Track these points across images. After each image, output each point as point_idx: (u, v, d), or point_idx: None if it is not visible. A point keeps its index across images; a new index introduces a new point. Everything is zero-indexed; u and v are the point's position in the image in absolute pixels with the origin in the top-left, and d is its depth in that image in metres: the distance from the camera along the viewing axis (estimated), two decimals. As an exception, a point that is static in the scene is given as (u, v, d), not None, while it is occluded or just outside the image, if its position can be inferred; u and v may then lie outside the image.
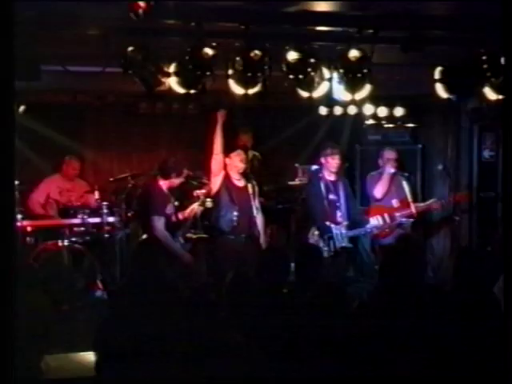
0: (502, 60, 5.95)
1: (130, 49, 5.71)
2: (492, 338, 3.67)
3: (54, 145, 8.62)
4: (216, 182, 7.51)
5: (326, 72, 6.20)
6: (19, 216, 7.40)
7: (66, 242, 7.77)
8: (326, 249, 7.28)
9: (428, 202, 8.33)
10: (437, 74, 6.59)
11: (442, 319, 3.88)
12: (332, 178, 7.71)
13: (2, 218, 2.67)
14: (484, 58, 6.25)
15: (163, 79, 6.05)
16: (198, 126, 9.56)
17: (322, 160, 7.73)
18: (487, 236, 8.32)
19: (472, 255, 4.87)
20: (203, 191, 8.57)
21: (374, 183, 8.25)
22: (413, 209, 7.99)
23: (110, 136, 9.51)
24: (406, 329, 3.79)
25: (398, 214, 7.99)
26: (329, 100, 7.65)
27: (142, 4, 4.96)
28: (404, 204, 8.06)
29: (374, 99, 8.40)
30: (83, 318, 6.61)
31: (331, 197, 7.59)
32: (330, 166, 7.66)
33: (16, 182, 6.46)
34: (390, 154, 8.29)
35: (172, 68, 6.03)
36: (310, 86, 6.20)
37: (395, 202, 8.11)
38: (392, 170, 8.18)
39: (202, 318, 3.69)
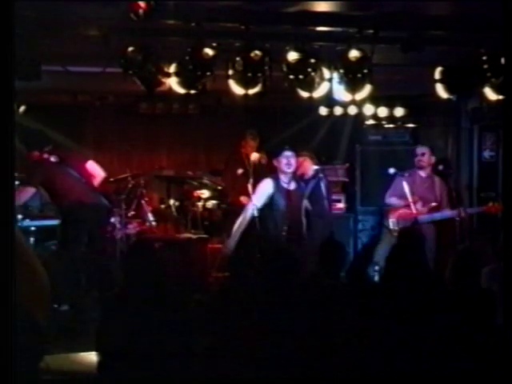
0: (502, 60, 5.95)
1: (131, 49, 5.71)
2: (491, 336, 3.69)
3: (54, 145, 8.61)
4: None
5: (326, 72, 6.20)
6: (19, 216, 7.41)
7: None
8: None
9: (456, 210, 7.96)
10: (437, 74, 6.59)
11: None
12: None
13: (2, 218, 2.67)
14: (484, 58, 6.24)
15: (163, 79, 6.06)
16: (198, 126, 9.59)
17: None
18: (487, 236, 8.31)
19: (472, 255, 4.86)
20: (203, 191, 8.59)
21: (396, 189, 7.86)
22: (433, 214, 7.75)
23: (111, 136, 9.52)
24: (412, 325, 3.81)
25: (419, 218, 7.69)
26: (329, 100, 7.65)
27: (142, 4, 4.97)
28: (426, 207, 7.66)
29: (374, 99, 8.41)
30: (84, 319, 6.61)
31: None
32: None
33: (16, 182, 6.50)
34: (423, 150, 7.87)
35: (172, 68, 6.03)
36: (310, 86, 6.19)
37: (419, 205, 7.60)
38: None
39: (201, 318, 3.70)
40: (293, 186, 7.12)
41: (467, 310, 3.96)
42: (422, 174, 7.85)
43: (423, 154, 7.84)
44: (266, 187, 7.07)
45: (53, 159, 7.41)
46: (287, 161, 7.03)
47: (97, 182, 7.64)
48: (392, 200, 7.85)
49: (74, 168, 7.42)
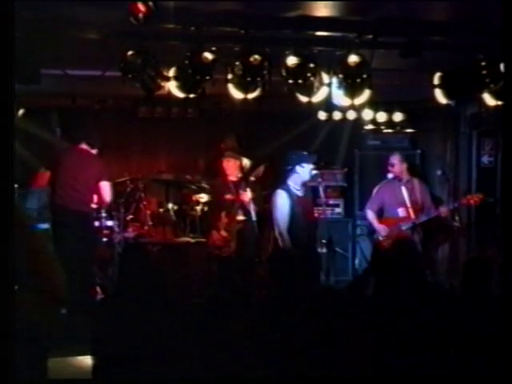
0: (501, 66, 5.96)
1: (130, 53, 5.72)
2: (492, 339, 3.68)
3: (53, 148, 8.61)
4: None
5: (325, 77, 6.21)
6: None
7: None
8: None
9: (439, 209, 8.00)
10: (436, 80, 6.61)
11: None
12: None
13: (2, 221, 2.67)
14: (483, 63, 6.26)
15: (163, 83, 6.06)
16: (197, 130, 9.59)
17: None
18: (486, 242, 8.31)
19: (472, 261, 4.86)
20: (202, 195, 8.59)
21: (373, 199, 8.18)
22: (416, 218, 7.81)
23: (110, 140, 9.51)
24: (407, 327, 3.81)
25: (402, 224, 7.85)
26: (328, 105, 7.67)
27: (141, 8, 4.97)
28: (410, 212, 7.84)
29: (373, 104, 8.42)
30: (81, 322, 6.59)
31: None
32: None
33: (15, 185, 6.49)
34: (393, 159, 8.09)
35: (171, 72, 6.05)
36: (309, 90, 6.20)
37: (401, 212, 7.89)
38: (390, 176, 8.07)
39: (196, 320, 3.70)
40: (303, 192, 7.13)
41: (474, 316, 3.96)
42: (399, 180, 7.94)
43: (393, 165, 7.96)
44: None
45: (84, 146, 7.55)
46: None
47: (99, 200, 7.61)
48: (369, 215, 8.10)
49: (89, 164, 7.47)
